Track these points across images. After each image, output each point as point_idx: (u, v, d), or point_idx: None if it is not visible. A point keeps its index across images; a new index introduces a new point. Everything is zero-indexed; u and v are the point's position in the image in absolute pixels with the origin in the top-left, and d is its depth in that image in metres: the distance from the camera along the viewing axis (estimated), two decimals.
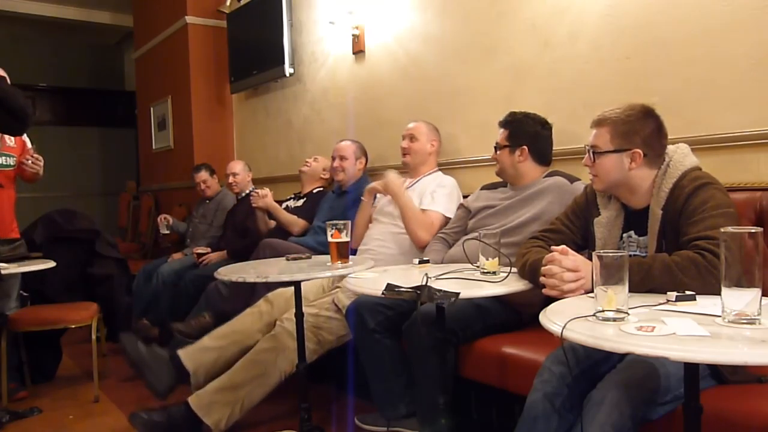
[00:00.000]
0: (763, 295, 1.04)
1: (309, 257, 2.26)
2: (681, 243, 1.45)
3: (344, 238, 1.97)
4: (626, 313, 1.12)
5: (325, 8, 3.75)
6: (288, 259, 2.20)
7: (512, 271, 1.70)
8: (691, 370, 1.13)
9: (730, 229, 1.04)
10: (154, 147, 5.69)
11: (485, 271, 1.75)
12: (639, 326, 1.05)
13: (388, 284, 1.56)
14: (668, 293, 1.24)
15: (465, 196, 2.55)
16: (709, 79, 1.97)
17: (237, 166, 3.89)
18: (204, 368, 2.33)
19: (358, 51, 3.49)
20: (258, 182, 4.10)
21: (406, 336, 2.02)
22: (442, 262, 2.19)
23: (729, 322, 1.04)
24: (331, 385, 2.74)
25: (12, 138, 2.88)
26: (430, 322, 1.79)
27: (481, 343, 1.91)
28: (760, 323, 1.02)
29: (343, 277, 2.25)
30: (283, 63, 4.04)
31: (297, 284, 2.06)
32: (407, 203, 2.52)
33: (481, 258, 1.77)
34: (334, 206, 3.11)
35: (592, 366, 1.45)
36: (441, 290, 1.48)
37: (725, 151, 1.93)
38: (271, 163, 4.45)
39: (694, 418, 1.13)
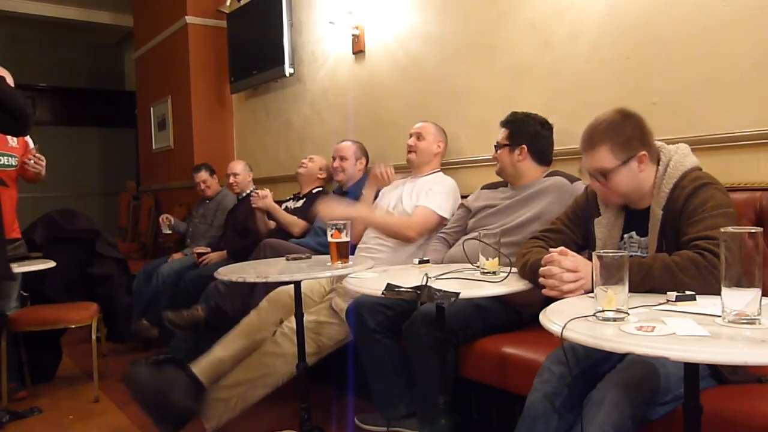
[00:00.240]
0: (763, 295, 1.04)
1: (309, 257, 2.26)
2: (681, 243, 1.45)
3: (344, 238, 1.97)
4: (626, 313, 1.12)
5: (325, 8, 3.75)
6: (288, 259, 2.20)
7: (512, 271, 1.70)
8: (691, 370, 1.13)
9: (730, 229, 1.04)
10: (154, 147, 5.69)
11: (485, 271, 1.75)
12: (639, 326, 1.05)
13: (388, 284, 1.56)
14: (668, 293, 1.24)
15: (465, 196, 2.55)
16: (709, 79, 1.97)
17: (238, 166, 3.89)
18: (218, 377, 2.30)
19: (358, 51, 3.49)
20: (258, 182, 4.10)
21: (406, 336, 2.02)
22: (442, 262, 2.19)
23: (729, 322, 1.04)
24: (331, 385, 2.74)
25: (14, 138, 2.88)
26: (430, 322, 1.79)
27: (481, 343, 1.91)
28: (760, 323, 1.02)
29: (341, 278, 2.25)
30: (283, 63, 4.04)
31: (297, 284, 2.06)
32: (378, 221, 2.54)
33: (481, 258, 1.77)
34: None
35: (592, 366, 1.45)
36: (441, 290, 1.48)
37: (725, 151, 1.93)
38: (271, 163, 4.45)
39: (694, 418, 1.13)
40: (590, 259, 1.34)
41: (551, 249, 1.53)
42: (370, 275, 1.84)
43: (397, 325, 2.07)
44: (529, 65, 2.55)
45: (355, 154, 3.16)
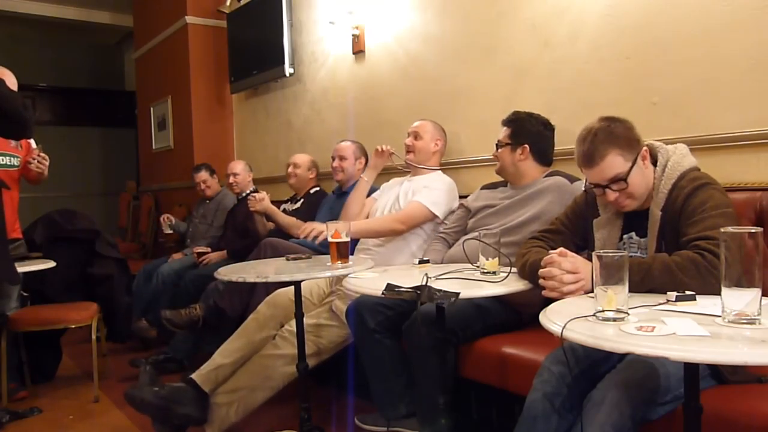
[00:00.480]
0: (763, 295, 1.04)
1: (309, 257, 2.26)
2: (681, 243, 1.45)
3: (344, 238, 1.96)
4: (626, 313, 1.12)
5: (325, 8, 3.75)
6: (288, 259, 2.20)
7: (512, 271, 1.70)
8: (691, 370, 1.13)
9: (730, 229, 1.04)
10: (154, 147, 5.69)
11: (485, 271, 1.75)
12: (639, 326, 1.05)
13: (388, 284, 1.56)
14: (668, 293, 1.24)
15: (465, 196, 2.54)
16: (709, 79, 1.96)
17: (238, 166, 3.88)
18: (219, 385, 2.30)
19: (358, 51, 3.49)
20: (258, 182, 4.10)
21: (406, 336, 2.02)
22: (442, 262, 2.19)
23: (729, 322, 1.04)
24: (332, 385, 2.74)
25: None
26: (430, 322, 1.79)
27: (481, 343, 1.91)
28: (760, 323, 1.02)
29: (341, 279, 2.25)
30: (283, 63, 4.04)
31: (297, 284, 2.06)
32: (361, 227, 2.50)
33: (481, 258, 1.77)
34: (334, 207, 3.10)
35: (591, 366, 1.45)
36: (441, 290, 1.48)
37: (725, 151, 1.93)
38: (271, 163, 4.45)
39: (694, 418, 1.13)
40: (590, 259, 1.34)
41: (551, 250, 1.53)
42: (370, 275, 1.84)
43: (397, 325, 2.07)
44: (529, 65, 2.55)
45: (354, 153, 3.16)
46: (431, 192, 2.56)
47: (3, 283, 2.68)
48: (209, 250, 3.67)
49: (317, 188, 3.51)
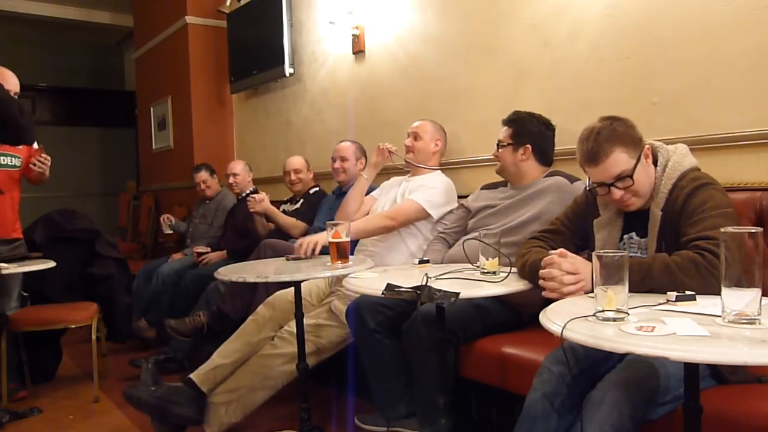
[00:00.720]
0: (763, 295, 1.04)
1: (309, 257, 2.26)
2: (681, 243, 1.45)
3: (344, 238, 1.96)
4: (626, 313, 1.12)
5: (325, 8, 3.75)
6: (288, 259, 2.20)
7: (512, 271, 1.70)
8: (691, 370, 1.13)
9: (730, 229, 1.04)
10: (154, 147, 5.69)
11: (485, 271, 1.75)
12: (639, 326, 1.05)
13: (388, 284, 1.56)
14: (668, 293, 1.24)
15: (465, 196, 2.54)
16: (709, 79, 1.96)
17: (237, 167, 3.88)
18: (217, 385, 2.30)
19: (358, 51, 3.49)
20: (258, 182, 4.10)
21: (406, 336, 2.02)
22: (442, 262, 2.19)
23: (729, 322, 1.04)
24: (332, 385, 2.74)
25: None
26: (430, 322, 1.79)
27: (481, 343, 1.91)
28: (760, 323, 1.02)
29: (340, 280, 2.25)
30: (283, 63, 4.04)
31: (297, 284, 2.06)
32: (357, 227, 2.45)
33: (481, 258, 1.77)
34: (335, 207, 3.10)
35: (591, 366, 1.45)
36: (441, 290, 1.48)
37: (725, 151, 1.93)
38: (271, 163, 4.45)
39: (694, 418, 1.13)
40: (590, 259, 1.34)
41: (551, 250, 1.52)
42: (370, 275, 1.84)
43: (397, 325, 2.07)
44: (529, 65, 2.55)
45: (355, 154, 3.16)
46: (426, 191, 2.55)
47: (3, 282, 2.68)
48: (209, 250, 3.67)
49: (316, 188, 3.51)
